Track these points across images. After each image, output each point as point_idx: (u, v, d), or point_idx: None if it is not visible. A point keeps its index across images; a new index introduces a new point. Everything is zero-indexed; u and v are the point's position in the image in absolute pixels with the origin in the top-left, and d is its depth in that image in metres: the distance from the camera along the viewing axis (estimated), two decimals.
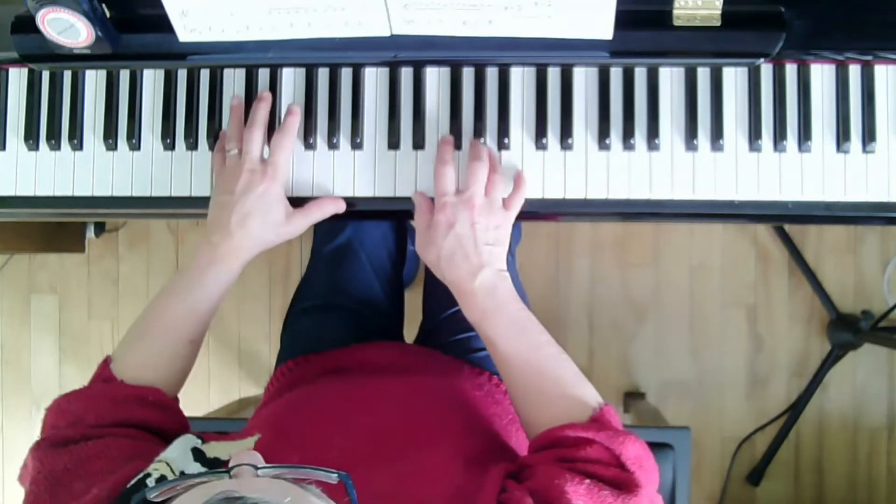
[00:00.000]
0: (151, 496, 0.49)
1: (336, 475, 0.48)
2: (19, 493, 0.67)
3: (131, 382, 0.76)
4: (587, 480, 0.63)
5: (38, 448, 0.69)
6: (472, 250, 0.78)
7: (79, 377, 1.93)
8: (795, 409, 1.79)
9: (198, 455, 0.65)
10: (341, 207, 0.86)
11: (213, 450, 0.66)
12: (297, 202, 0.85)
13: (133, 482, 0.59)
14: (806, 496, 1.84)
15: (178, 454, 0.64)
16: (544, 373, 0.75)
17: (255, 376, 1.90)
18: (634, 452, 0.66)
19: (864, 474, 1.84)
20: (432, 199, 0.82)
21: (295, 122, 0.85)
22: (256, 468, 0.48)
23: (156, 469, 0.60)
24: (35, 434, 0.71)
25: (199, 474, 0.49)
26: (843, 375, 1.82)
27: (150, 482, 0.59)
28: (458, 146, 0.86)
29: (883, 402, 1.83)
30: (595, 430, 0.67)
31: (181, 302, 0.80)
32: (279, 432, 0.71)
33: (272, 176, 0.81)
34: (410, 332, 1.20)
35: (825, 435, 1.84)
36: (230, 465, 0.49)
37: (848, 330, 1.75)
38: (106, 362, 0.78)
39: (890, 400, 1.83)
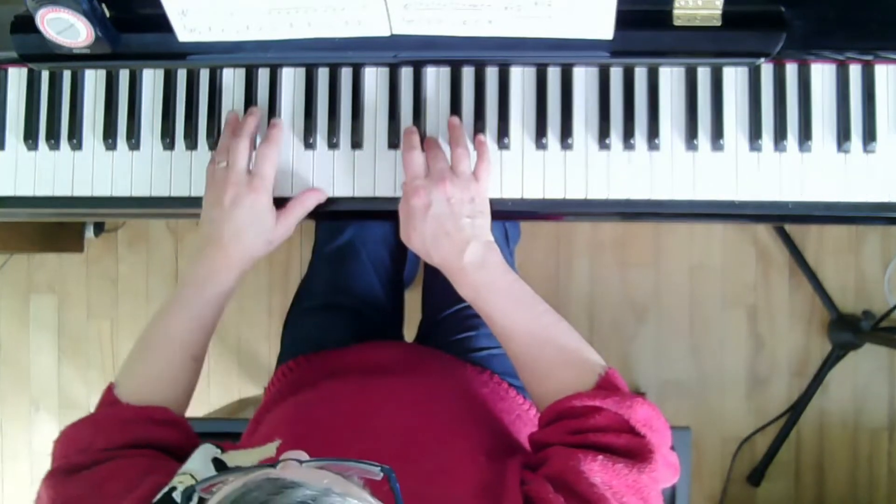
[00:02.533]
0: (200, 488, 0.50)
1: (379, 468, 0.48)
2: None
3: (137, 403, 0.75)
4: (600, 456, 0.62)
5: (49, 478, 0.69)
6: (453, 226, 0.78)
7: (78, 377, 1.93)
8: (796, 410, 1.79)
9: (219, 465, 0.64)
10: (322, 197, 0.86)
11: (234, 458, 0.65)
12: None
13: (159, 497, 0.59)
14: (806, 496, 1.84)
15: (199, 465, 0.63)
16: (545, 342, 0.75)
17: (255, 376, 1.90)
18: (643, 414, 0.66)
19: (864, 475, 1.83)
20: None
21: (279, 133, 0.85)
22: (301, 462, 0.48)
23: (180, 482, 0.60)
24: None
25: (247, 468, 0.49)
26: (843, 375, 1.81)
27: (177, 495, 0.59)
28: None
29: (884, 403, 1.83)
30: (602, 396, 0.67)
31: (181, 318, 0.80)
32: (297, 438, 0.70)
33: (258, 187, 0.81)
34: (410, 333, 1.20)
35: (826, 435, 1.83)
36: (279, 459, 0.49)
37: (849, 330, 1.75)
38: (110, 388, 0.78)
39: (891, 400, 1.83)
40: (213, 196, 0.82)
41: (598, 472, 0.61)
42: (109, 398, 0.77)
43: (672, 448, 0.68)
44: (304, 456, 0.49)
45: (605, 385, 0.69)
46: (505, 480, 0.62)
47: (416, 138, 0.84)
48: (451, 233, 0.78)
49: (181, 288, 0.81)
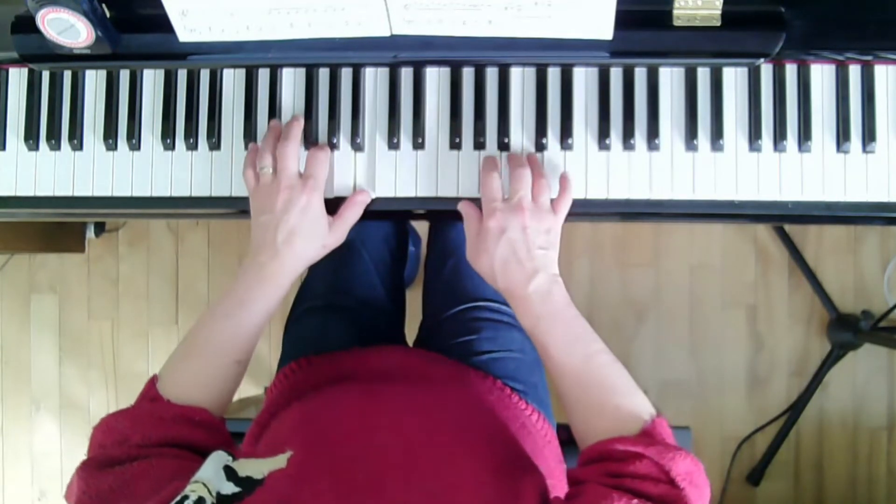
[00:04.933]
0: None
1: None
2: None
3: (177, 402, 0.75)
4: (634, 501, 0.61)
5: (83, 468, 0.68)
6: (525, 255, 0.78)
7: (79, 377, 1.94)
8: (795, 409, 1.79)
9: (230, 474, 0.63)
10: (368, 198, 0.87)
11: (245, 468, 0.65)
12: None
13: None
14: (806, 496, 1.84)
15: (211, 473, 0.63)
16: (597, 382, 0.74)
17: (255, 376, 1.90)
18: (685, 468, 0.65)
19: (864, 474, 1.84)
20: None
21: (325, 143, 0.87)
22: None
23: (193, 491, 0.59)
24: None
25: None
26: (843, 375, 1.82)
27: None
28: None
29: (883, 402, 1.83)
30: (645, 444, 0.66)
31: (228, 323, 0.79)
32: (307, 450, 0.69)
33: (313, 188, 0.81)
34: (410, 334, 1.20)
35: (825, 435, 1.84)
36: None
37: (848, 330, 1.75)
38: (153, 381, 0.77)
39: (890, 400, 1.83)
40: (262, 202, 0.82)
41: None
42: (151, 392, 0.76)
43: None
44: None
45: (651, 433, 0.69)
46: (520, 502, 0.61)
47: (496, 161, 0.84)
48: (523, 260, 0.78)
49: (230, 295, 0.80)
